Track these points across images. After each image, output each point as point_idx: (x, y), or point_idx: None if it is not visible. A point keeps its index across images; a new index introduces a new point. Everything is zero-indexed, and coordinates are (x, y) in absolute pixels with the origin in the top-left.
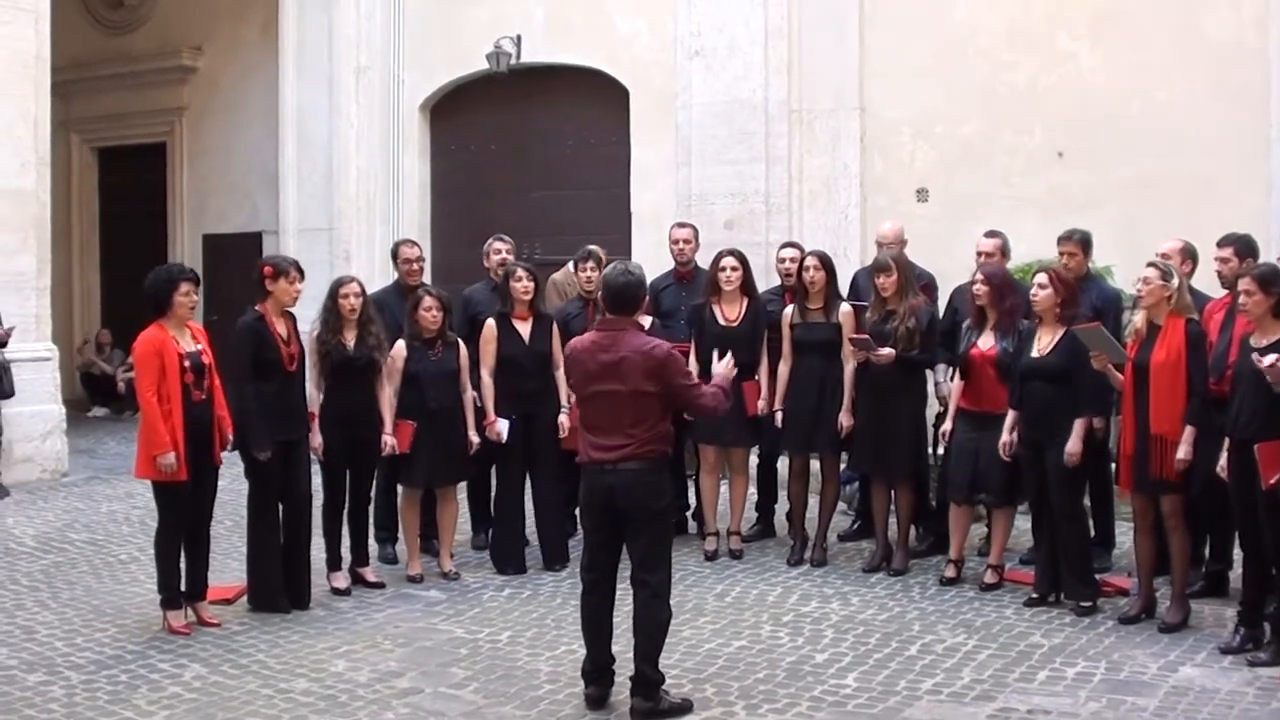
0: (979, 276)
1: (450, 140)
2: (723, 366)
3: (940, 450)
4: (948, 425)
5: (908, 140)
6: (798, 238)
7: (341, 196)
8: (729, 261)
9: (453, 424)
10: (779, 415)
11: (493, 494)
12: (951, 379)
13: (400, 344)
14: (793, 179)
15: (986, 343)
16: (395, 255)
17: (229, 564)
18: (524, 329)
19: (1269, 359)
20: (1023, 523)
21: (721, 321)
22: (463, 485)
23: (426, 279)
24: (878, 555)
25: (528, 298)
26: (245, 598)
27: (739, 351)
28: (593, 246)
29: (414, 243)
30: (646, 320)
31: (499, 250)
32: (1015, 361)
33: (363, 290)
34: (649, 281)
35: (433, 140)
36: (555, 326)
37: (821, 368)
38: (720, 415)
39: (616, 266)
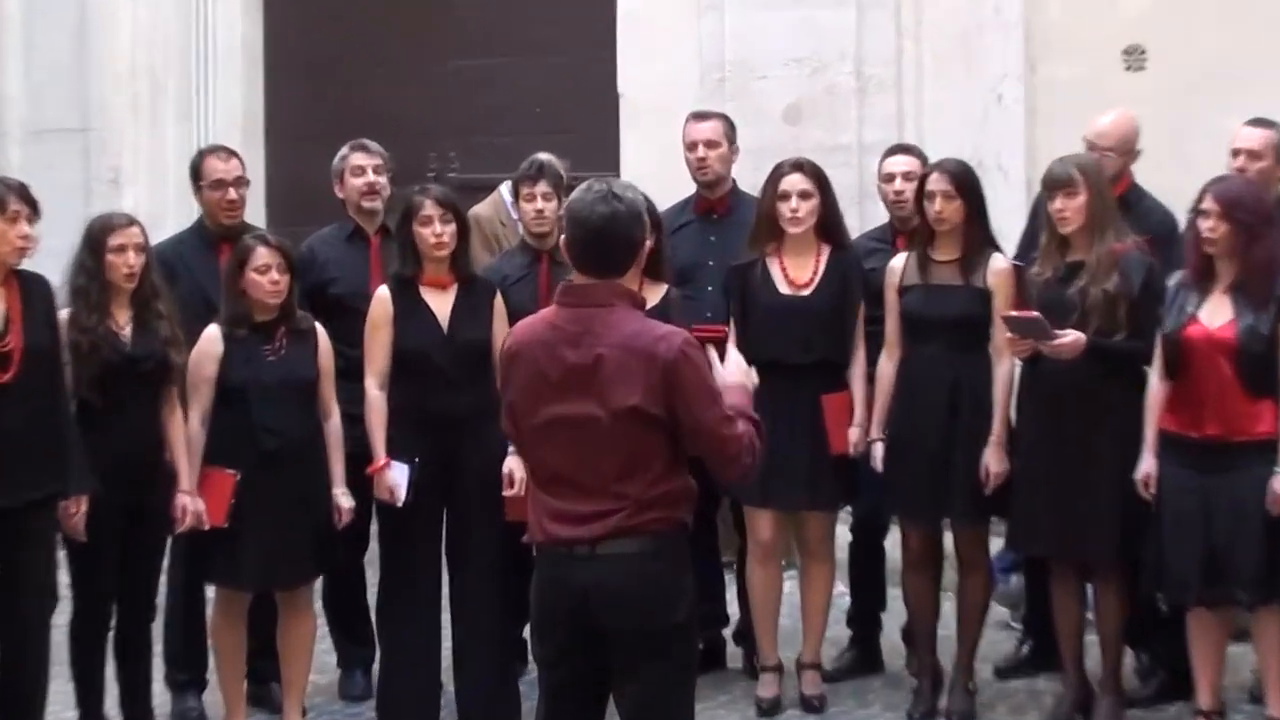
0: (1209, 200)
1: None
2: (736, 368)
3: None
4: (1147, 465)
5: None
6: (914, 138)
7: (106, 76)
8: (795, 181)
9: (306, 475)
10: (880, 450)
11: (376, 601)
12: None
13: (212, 332)
14: (903, 34)
15: (1217, 316)
16: (198, 173)
17: None
18: (440, 304)
19: None
20: None
21: (784, 289)
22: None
23: (256, 220)
24: (1067, 703)
25: (443, 253)
26: None
27: (815, 336)
28: (546, 155)
29: (232, 152)
30: (658, 290)
31: (361, 168)
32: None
33: (145, 240)
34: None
35: None
36: (498, 298)
37: (955, 367)
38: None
39: (593, 188)
